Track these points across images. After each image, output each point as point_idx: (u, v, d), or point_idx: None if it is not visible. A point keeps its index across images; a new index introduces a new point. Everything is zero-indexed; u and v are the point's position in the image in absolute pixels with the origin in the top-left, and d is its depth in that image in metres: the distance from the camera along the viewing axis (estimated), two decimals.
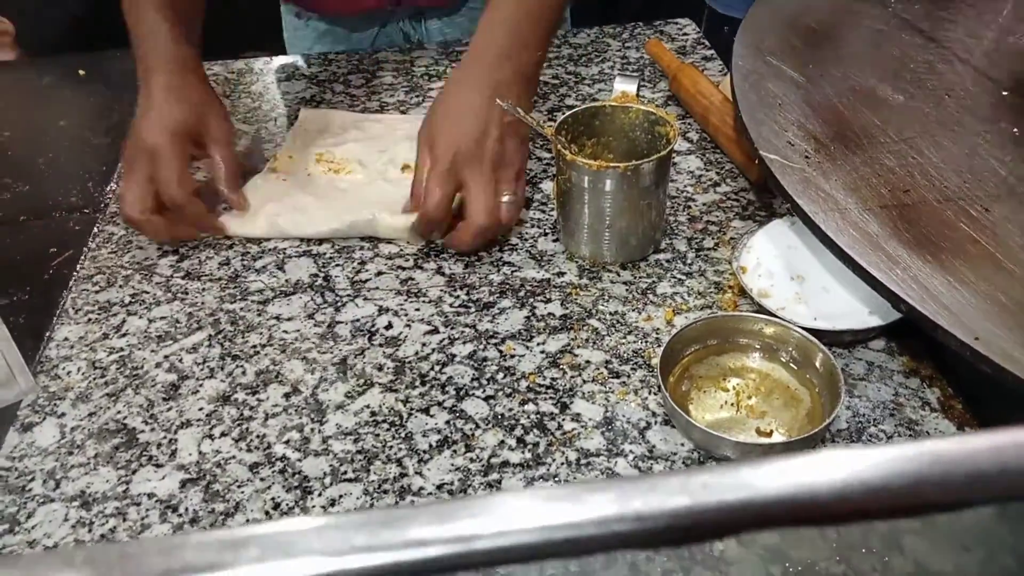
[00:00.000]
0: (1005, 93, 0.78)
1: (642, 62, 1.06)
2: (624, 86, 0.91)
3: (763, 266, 0.69)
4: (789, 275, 0.69)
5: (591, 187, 0.72)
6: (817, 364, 0.62)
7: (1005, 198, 0.66)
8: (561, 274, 0.76)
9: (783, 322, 0.63)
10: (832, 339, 0.65)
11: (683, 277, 0.75)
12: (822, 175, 0.67)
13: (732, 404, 0.62)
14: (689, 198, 0.84)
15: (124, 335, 0.72)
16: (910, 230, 0.63)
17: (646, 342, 0.68)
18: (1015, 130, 0.73)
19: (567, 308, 0.72)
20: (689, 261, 0.76)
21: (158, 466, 0.61)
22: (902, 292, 0.56)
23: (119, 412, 0.65)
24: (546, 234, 0.80)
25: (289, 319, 0.72)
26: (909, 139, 0.71)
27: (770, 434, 0.60)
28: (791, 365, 0.63)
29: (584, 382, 0.65)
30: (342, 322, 0.72)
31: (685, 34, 1.12)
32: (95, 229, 0.84)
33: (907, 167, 0.69)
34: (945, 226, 0.63)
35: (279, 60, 1.13)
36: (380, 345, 0.69)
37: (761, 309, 0.67)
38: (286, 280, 0.76)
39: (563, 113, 0.77)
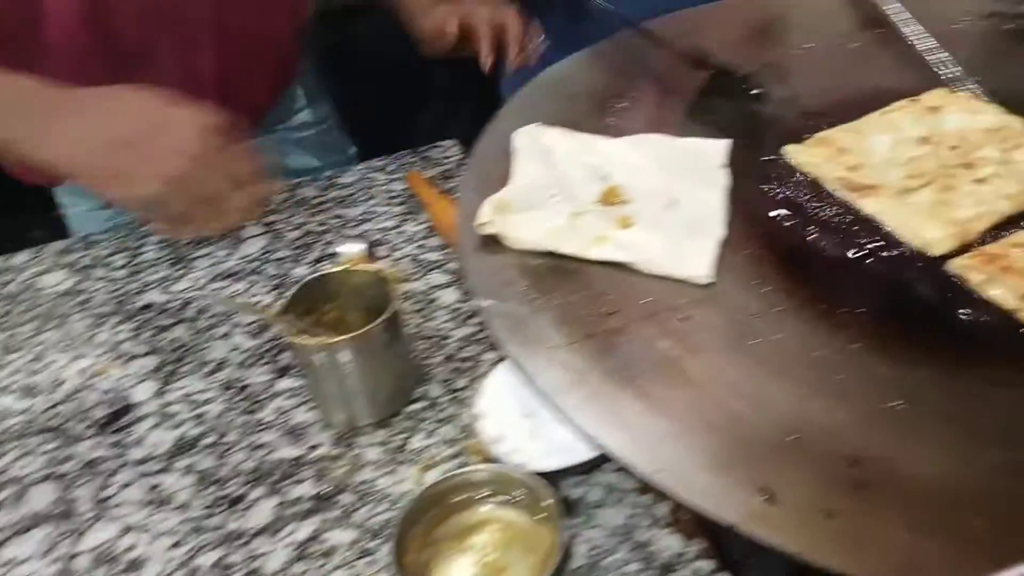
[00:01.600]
0: None
1: (407, 193, 1.09)
2: (352, 247, 0.92)
3: (497, 407, 0.71)
4: (522, 412, 0.70)
5: (327, 360, 0.72)
6: (548, 504, 0.62)
7: (706, 301, 0.70)
8: (315, 447, 0.75)
9: (512, 469, 0.64)
10: (568, 471, 0.66)
11: (436, 426, 0.75)
12: (535, 312, 0.69)
13: (474, 564, 0.62)
14: (445, 336, 0.85)
15: None
16: (612, 358, 0.65)
17: (396, 509, 0.68)
18: None
19: (319, 486, 0.71)
20: (442, 407, 0.77)
21: None
22: (593, 431, 0.58)
23: None
24: (304, 402, 0.79)
25: (25, 560, 0.68)
26: (613, 264, 0.74)
27: None
28: (527, 510, 0.64)
29: (334, 569, 0.64)
30: (83, 552, 0.68)
31: (448, 157, 1.15)
32: None
33: (616, 287, 0.72)
34: (646, 346, 0.66)
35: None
36: (122, 572, 0.66)
37: (491, 458, 0.67)
38: (22, 515, 0.72)
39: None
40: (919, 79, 0.89)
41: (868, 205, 0.73)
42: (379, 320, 0.71)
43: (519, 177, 0.85)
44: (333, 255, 0.96)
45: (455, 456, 0.71)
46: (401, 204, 1.06)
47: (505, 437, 0.68)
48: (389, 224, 1.02)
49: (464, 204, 0.81)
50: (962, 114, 0.80)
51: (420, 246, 0.98)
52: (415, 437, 0.74)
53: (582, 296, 0.71)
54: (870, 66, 0.95)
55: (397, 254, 0.97)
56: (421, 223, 1.02)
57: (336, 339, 0.70)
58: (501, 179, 0.84)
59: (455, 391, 0.78)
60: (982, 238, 0.70)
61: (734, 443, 0.57)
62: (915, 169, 0.74)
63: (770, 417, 0.59)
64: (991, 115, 0.80)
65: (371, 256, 0.96)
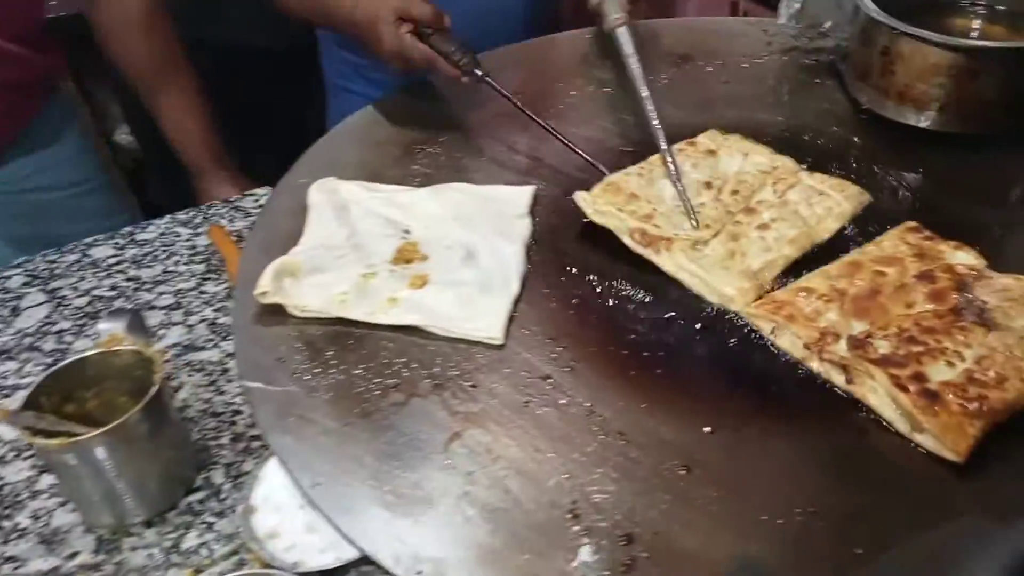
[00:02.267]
0: None
1: (212, 249, 1.01)
2: (111, 325, 0.83)
3: (272, 499, 0.64)
4: (299, 502, 0.64)
5: (79, 459, 0.64)
6: None
7: (496, 364, 0.66)
8: (74, 555, 0.66)
9: (282, 573, 0.58)
10: (346, 568, 0.61)
11: (215, 519, 0.68)
12: (309, 392, 0.63)
13: None
14: (236, 411, 0.78)
15: None
16: (388, 439, 0.60)
17: None
18: None
19: None
20: (224, 495, 0.70)
21: None
22: (349, 530, 0.53)
23: None
24: (64, 503, 0.71)
25: None
26: (403, 329, 0.69)
27: None
28: None
29: None
30: None
31: (261, 207, 1.09)
32: None
33: (406, 353, 0.67)
34: (427, 422, 0.61)
35: None
36: None
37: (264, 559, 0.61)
38: None
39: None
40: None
41: (664, 262, 0.71)
42: (135, 409, 0.63)
43: (310, 236, 0.79)
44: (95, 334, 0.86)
45: (233, 554, 0.65)
46: (203, 262, 0.98)
47: (280, 532, 0.62)
48: (187, 285, 0.94)
49: (245, 269, 0.74)
50: (737, 156, 0.81)
51: (219, 309, 0.90)
52: (191, 534, 0.66)
53: (366, 368, 0.65)
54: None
55: (193, 318, 0.89)
56: (222, 283, 0.94)
57: (85, 435, 0.62)
58: (292, 238, 0.78)
59: (240, 476, 0.71)
60: (773, 286, 0.70)
61: (508, 530, 0.53)
62: (703, 218, 0.74)
63: (546, 496, 0.55)
64: (763, 155, 0.81)
65: (141, 330, 0.84)
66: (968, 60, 0.78)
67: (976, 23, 0.92)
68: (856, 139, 0.87)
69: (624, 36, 0.91)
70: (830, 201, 0.76)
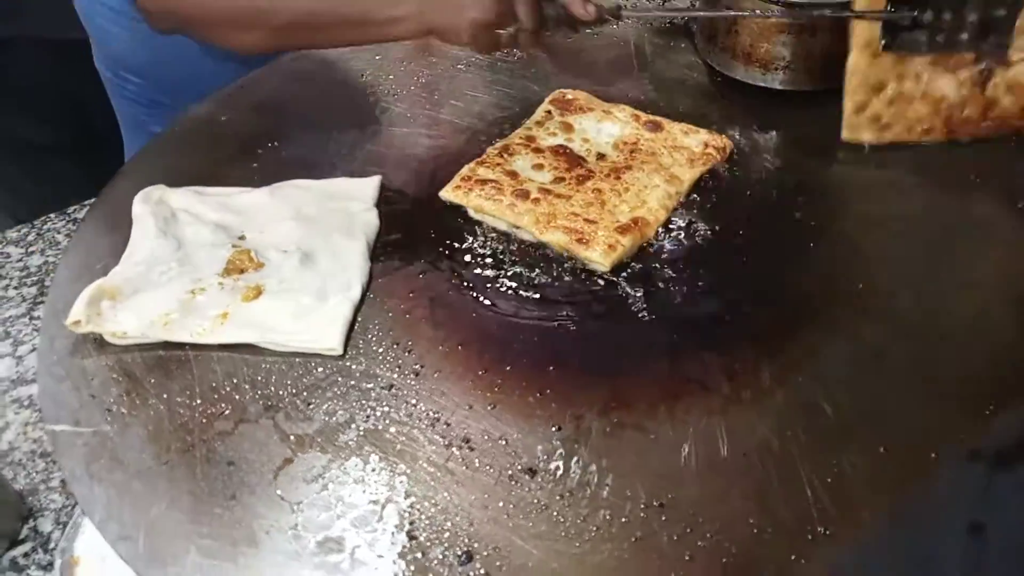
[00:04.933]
0: None
1: (47, 269, 0.93)
2: None
3: (99, 548, 0.59)
4: None
5: None
6: None
7: (335, 377, 0.62)
8: None
9: None
10: None
11: (41, 573, 0.62)
12: (123, 430, 0.57)
13: None
14: None
15: None
16: (209, 476, 0.55)
17: None
18: None
19: None
20: (53, 544, 0.64)
21: None
22: None
23: None
24: None
25: None
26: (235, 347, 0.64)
27: None
28: None
29: None
30: None
31: None
32: None
33: (237, 373, 0.62)
34: (256, 451, 0.57)
35: None
36: None
37: None
38: None
39: None
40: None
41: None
42: None
43: (132, 253, 0.72)
44: None
45: None
46: (36, 284, 0.90)
47: None
48: (17, 312, 0.86)
49: (55, 297, 0.68)
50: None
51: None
52: None
53: (191, 395, 0.60)
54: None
55: (23, 348, 0.82)
56: None
57: None
58: (115, 257, 0.72)
59: (72, 522, 0.65)
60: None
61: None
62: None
63: (384, 519, 0.52)
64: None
65: None
66: (806, 17, 0.76)
67: None
68: (712, 103, 0.85)
69: None
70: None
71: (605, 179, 0.74)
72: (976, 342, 0.61)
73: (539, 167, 0.76)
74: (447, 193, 0.75)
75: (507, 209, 0.72)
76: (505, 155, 0.77)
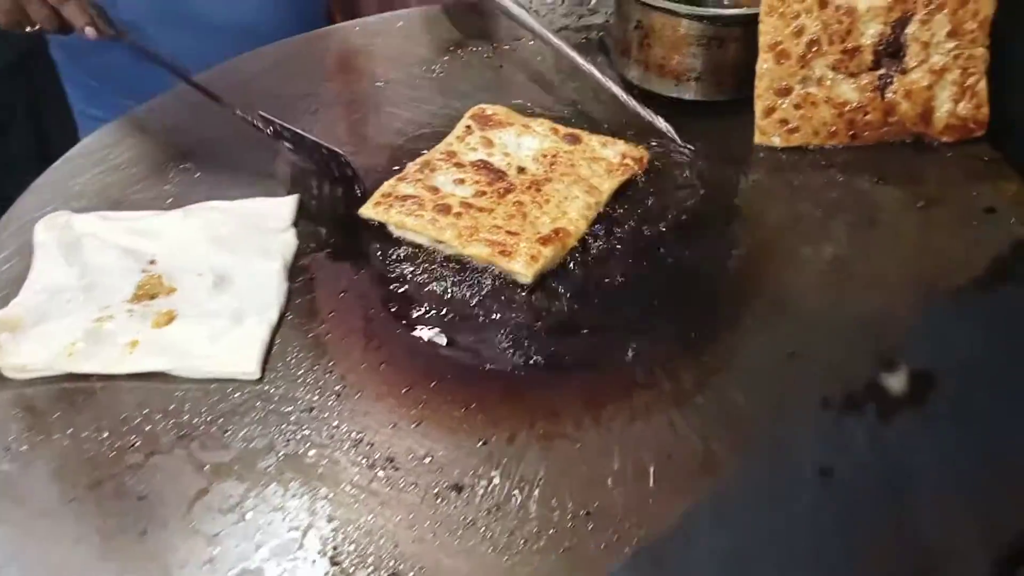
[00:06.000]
0: None
1: None
2: None
3: None
4: None
5: None
6: None
7: (252, 402, 0.60)
8: None
9: None
10: None
11: None
12: (25, 467, 0.54)
13: None
14: None
15: None
16: (119, 512, 0.52)
17: None
18: None
19: None
20: None
21: None
22: None
23: None
24: None
25: None
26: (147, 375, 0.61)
27: None
28: None
29: None
30: None
31: None
32: None
33: (149, 403, 0.59)
34: (169, 484, 0.54)
35: None
36: None
37: None
38: None
39: None
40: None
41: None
42: None
43: (34, 281, 0.69)
44: None
45: None
46: None
47: None
48: None
49: None
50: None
51: None
52: None
53: (99, 428, 0.57)
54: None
55: None
56: None
57: None
58: (16, 286, 0.68)
59: None
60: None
61: None
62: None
63: (304, 547, 0.50)
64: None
65: None
66: (714, 29, 0.78)
67: None
68: (629, 115, 0.86)
69: None
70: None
71: (526, 192, 0.74)
72: (883, 335, 0.63)
73: (460, 182, 0.75)
74: (367, 210, 0.74)
75: (429, 224, 0.71)
76: (426, 170, 0.76)
